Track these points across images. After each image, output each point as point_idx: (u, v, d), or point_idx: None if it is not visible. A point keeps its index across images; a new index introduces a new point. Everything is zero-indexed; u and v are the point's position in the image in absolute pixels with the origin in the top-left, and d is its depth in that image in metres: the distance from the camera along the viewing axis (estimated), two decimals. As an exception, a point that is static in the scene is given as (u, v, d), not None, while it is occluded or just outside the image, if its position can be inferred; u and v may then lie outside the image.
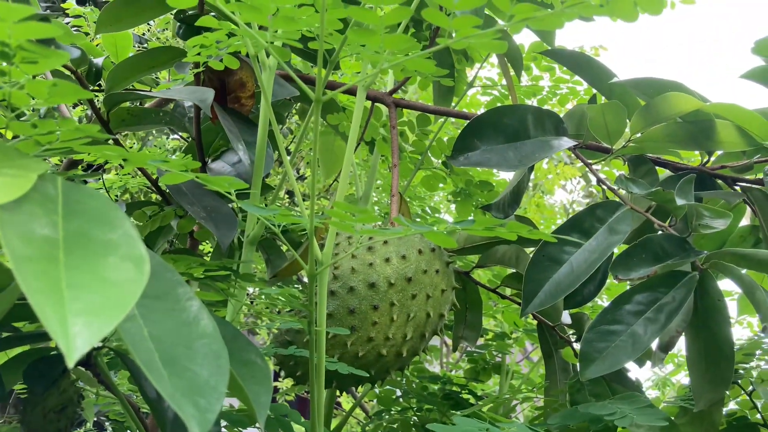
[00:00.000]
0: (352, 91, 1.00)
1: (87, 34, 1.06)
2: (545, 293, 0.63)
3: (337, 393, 1.21)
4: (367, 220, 0.46)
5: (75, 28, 1.06)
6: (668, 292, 0.56)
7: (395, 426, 0.91)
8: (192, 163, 0.45)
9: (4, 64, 0.34)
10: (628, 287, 0.63)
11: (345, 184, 0.61)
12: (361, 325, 0.71)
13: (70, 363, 0.24)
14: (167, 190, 0.79)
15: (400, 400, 1.01)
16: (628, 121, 0.73)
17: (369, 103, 1.00)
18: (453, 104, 1.00)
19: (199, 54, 0.60)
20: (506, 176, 1.19)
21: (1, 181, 0.30)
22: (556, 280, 0.63)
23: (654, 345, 0.61)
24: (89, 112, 1.23)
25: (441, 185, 1.05)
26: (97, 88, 0.77)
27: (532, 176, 0.82)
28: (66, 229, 0.32)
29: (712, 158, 0.78)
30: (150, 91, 0.78)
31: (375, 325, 0.71)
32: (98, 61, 0.68)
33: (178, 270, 0.52)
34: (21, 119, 0.42)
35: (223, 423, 0.65)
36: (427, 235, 0.49)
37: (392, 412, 0.97)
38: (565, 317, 0.77)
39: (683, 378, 1.20)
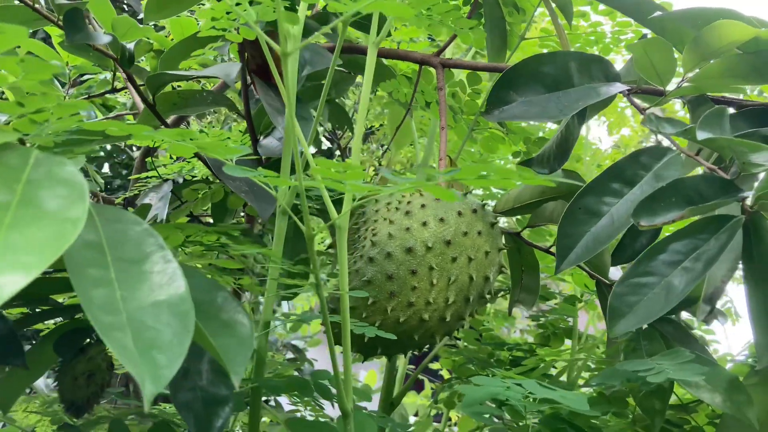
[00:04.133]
0: (400, 56, 0.98)
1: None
2: (582, 248, 0.59)
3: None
4: (354, 177, 0.45)
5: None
6: (709, 239, 0.50)
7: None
8: (245, 139, 0.46)
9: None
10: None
11: (358, 145, 0.60)
12: (400, 290, 0.70)
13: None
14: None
15: (471, 367, 1.00)
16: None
17: (417, 67, 0.98)
18: (507, 59, 0.96)
19: (213, 27, 0.61)
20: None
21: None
22: (594, 234, 0.59)
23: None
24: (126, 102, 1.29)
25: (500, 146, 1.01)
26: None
27: (584, 127, 0.77)
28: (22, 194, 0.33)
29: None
30: (188, 70, 0.80)
31: (414, 290, 0.70)
32: (130, 45, 0.70)
33: (185, 235, 0.54)
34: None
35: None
36: (427, 189, 0.47)
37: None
38: (615, 274, 0.72)
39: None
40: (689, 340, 0.67)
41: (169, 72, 0.73)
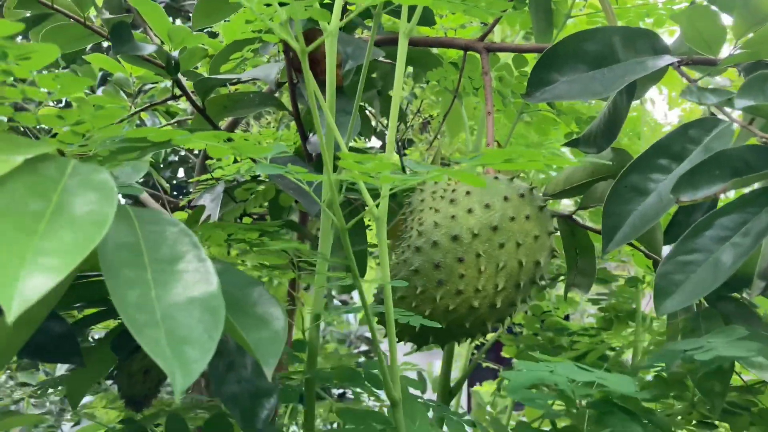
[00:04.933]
0: (445, 43, 0.98)
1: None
2: (629, 227, 0.58)
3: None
4: (379, 168, 0.45)
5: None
6: (759, 212, 0.48)
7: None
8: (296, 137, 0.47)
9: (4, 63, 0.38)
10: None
11: (393, 132, 0.60)
12: (448, 278, 0.70)
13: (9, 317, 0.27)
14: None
15: (532, 354, 0.98)
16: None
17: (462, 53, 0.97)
18: (554, 39, 0.93)
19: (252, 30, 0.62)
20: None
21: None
22: (641, 212, 0.57)
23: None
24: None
25: (554, 129, 0.99)
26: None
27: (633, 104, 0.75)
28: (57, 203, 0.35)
29: None
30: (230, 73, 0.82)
31: (462, 277, 0.69)
32: (175, 54, 0.73)
33: (226, 233, 0.55)
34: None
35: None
36: (452, 175, 0.47)
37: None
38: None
39: None
40: (752, 318, 0.64)
41: (214, 77, 0.75)
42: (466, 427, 0.71)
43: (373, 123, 1.47)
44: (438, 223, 0.71)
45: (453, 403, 1.07)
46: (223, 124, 1.21)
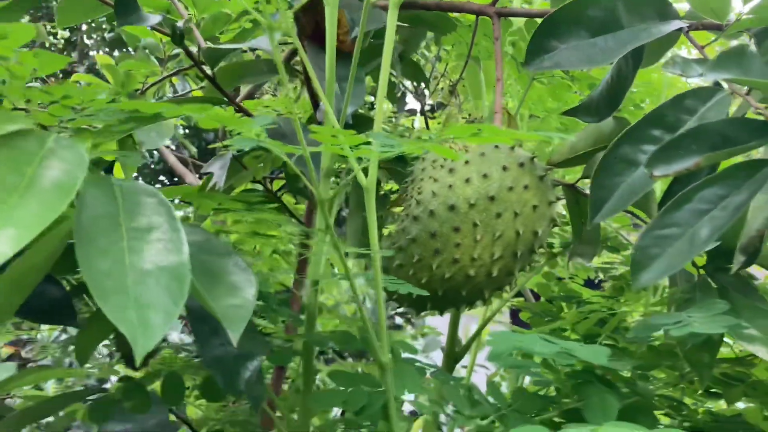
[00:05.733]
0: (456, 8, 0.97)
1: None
2: (617, 199, 0.57)
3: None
4: (351, 141, 0.46)
5: None
6: (741, 185, 0.47)
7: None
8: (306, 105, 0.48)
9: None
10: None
11: (381, 105, 0.61)
12: (444, 247, 0.70)
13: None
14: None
15: (543, 320, 0.99)
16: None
17: (473, 18, 0.96)
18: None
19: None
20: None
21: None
22: (630, 184, 0.57)
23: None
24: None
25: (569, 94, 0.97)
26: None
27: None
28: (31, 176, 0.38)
29: None
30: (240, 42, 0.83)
31: (458, 246, 0.70)
32: (180, 24, 0.74)
33: (214, 202, 0.57)
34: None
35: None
36: (428, 147, 0.47)
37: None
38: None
39: None
40: (749, 290, 0.63)
41: (222, 46, 0.76)
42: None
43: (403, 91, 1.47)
44: (435, 192, 0.72)
45: (468, 365, 1.09)
46: (243, 92, 1.23)
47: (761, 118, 0.50)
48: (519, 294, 1.36)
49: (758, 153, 0.52)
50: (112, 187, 0.46)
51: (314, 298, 0.70)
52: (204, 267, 0.45)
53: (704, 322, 0.48)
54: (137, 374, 0.67)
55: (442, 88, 2.02)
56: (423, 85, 1.65)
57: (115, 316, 0.36)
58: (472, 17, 1.11)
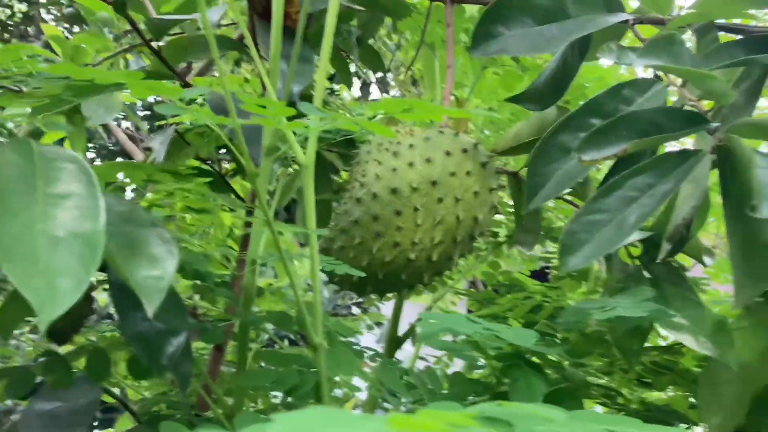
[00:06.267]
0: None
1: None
2: (552, 186, 0.58)
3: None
4: (280, 113, 0.45)
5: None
6: (669, 174, 0.48)
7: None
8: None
9: None
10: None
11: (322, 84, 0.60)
12: (386, 230, 0.70)
13: None
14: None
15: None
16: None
17: (427, 3, 0.95)
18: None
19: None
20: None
21: None
22: (566, 170, 0.57)
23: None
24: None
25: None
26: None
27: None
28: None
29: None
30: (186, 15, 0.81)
31: (399, 230, 0.70)
32: (122, -9, 0.72)
33: (144, 173, 0.56)
34: None
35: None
36: (362, 124, 0.47)
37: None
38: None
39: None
40: (680, 281, 0.64)
41: (166, 17, 0.75)
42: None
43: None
44: (379, 175, 0.71)
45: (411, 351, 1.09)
46: (196, 69, 1.20)
47: (693, 108, 0.50)
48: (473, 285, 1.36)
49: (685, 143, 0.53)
50: (31, 151, 0.44)
51: (252, 278, 0.69)
52: (126, 237, 0.44)
53: (629, 307, 0.49)
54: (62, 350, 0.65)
55: (403, 79, 2.01)
56: (387, 74, 1.64)
57: (20, 281, 0.35)
58: (428, 3, 1.11)
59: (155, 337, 0.50)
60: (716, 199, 0.64)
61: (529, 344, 0.48)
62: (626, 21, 0.68)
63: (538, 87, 0.71)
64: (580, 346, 0.64)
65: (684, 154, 0.48)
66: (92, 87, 0.56)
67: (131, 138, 1.37)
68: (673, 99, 0.66)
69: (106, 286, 0.63)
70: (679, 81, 0.58)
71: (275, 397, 1.01)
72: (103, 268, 0.58)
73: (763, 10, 0.66)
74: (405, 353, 1.13)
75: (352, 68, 1.44)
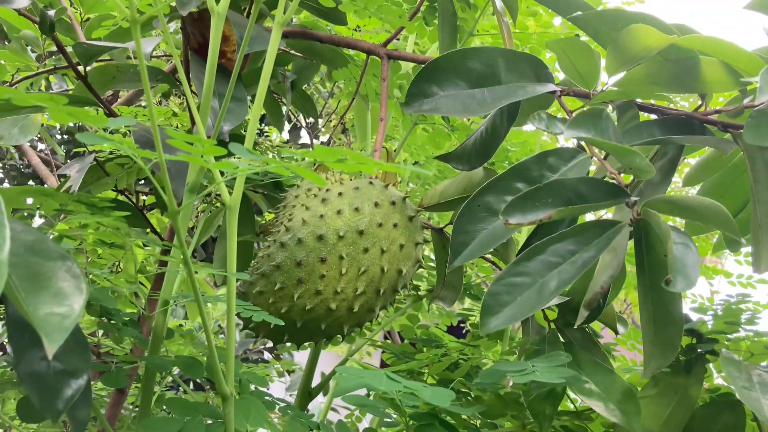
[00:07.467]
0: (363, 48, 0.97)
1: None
2: (476, 245, 0.58)
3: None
4: (210, 152, 0.44)
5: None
6: (590, 243, 0.49)
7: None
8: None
9: None
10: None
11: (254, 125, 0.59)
12: (309, 277, 0.69)
13: None
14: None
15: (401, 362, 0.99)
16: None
17: (364, 56, 0.97)
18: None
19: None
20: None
21: None
22: (491, 231, 0.58)
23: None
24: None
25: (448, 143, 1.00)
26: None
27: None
28: None
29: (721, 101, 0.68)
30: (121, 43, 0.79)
31: (323, 278, 0.69)
32: (51, 13, 0.69)
33: (57, 202, 0.53)
34: None
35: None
36: (294, 170, 0.46)
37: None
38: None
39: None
40: (593, 347, 0.66)
41: (95, 43, 0.72)
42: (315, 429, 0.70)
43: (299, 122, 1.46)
44: (306, 220, 0.70)
45: (324, 404, 1.06)
46: (123, 98, 1.17)
47: (614, 181, 0.53)
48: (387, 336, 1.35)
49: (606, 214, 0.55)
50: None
51: (162, 319, 0.66)
52: (30, 269, 0.41)
53: (545, 372, 0.49)
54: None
55: (335, 126, 2.03)
56: (318, 121, 1.65)
57: None
58: (364, 55, 1.13)
59: (53, 378, 0.46)
60: (629, 268, 0.66)
61: (446, 404, 0.47)
62: (554, 92, 0.71)
63: (467, 148, 0.73)
64: (494, 407, 0.64)
65: (605, 225, 0.50)
66: (8, 107, 0.53)
67: (45, 162, 1.31)
68: (592, 168, 0.69)
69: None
70: (602, 153, 0.60)
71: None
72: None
73: (678, 96, 0.71)
74: (316, 402, 1.11)
75: (283, 110, 1.43)
